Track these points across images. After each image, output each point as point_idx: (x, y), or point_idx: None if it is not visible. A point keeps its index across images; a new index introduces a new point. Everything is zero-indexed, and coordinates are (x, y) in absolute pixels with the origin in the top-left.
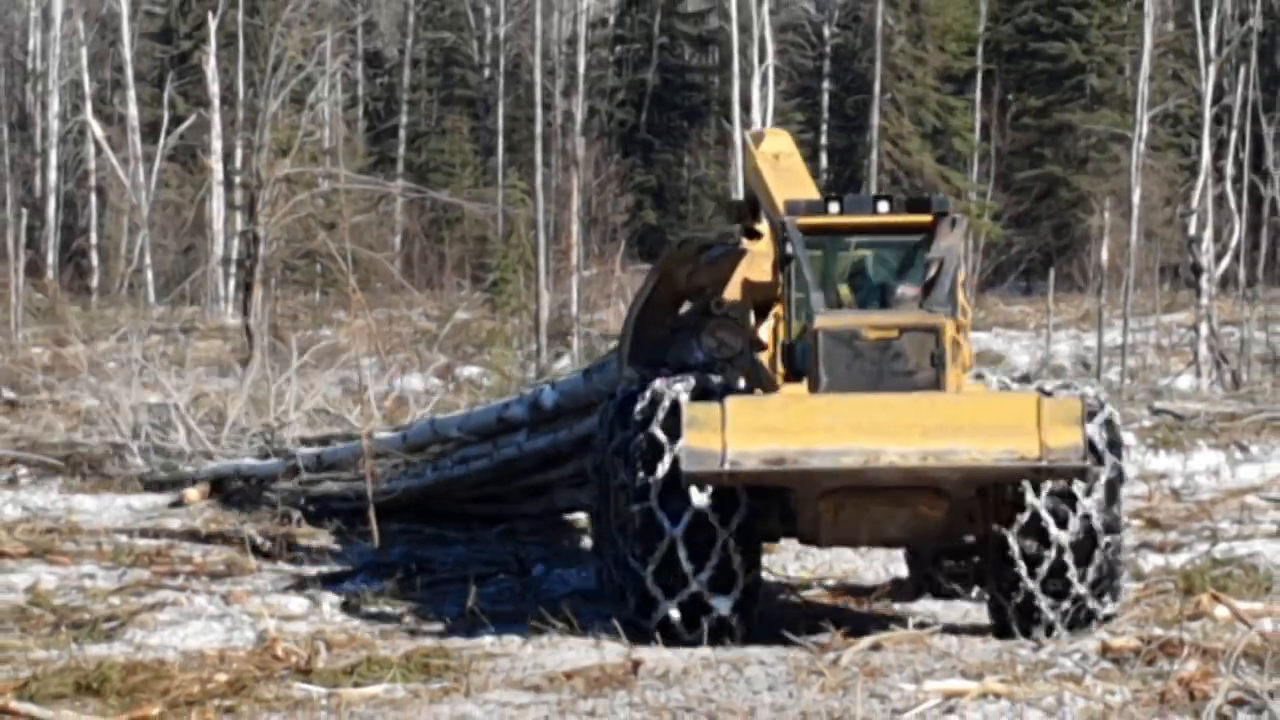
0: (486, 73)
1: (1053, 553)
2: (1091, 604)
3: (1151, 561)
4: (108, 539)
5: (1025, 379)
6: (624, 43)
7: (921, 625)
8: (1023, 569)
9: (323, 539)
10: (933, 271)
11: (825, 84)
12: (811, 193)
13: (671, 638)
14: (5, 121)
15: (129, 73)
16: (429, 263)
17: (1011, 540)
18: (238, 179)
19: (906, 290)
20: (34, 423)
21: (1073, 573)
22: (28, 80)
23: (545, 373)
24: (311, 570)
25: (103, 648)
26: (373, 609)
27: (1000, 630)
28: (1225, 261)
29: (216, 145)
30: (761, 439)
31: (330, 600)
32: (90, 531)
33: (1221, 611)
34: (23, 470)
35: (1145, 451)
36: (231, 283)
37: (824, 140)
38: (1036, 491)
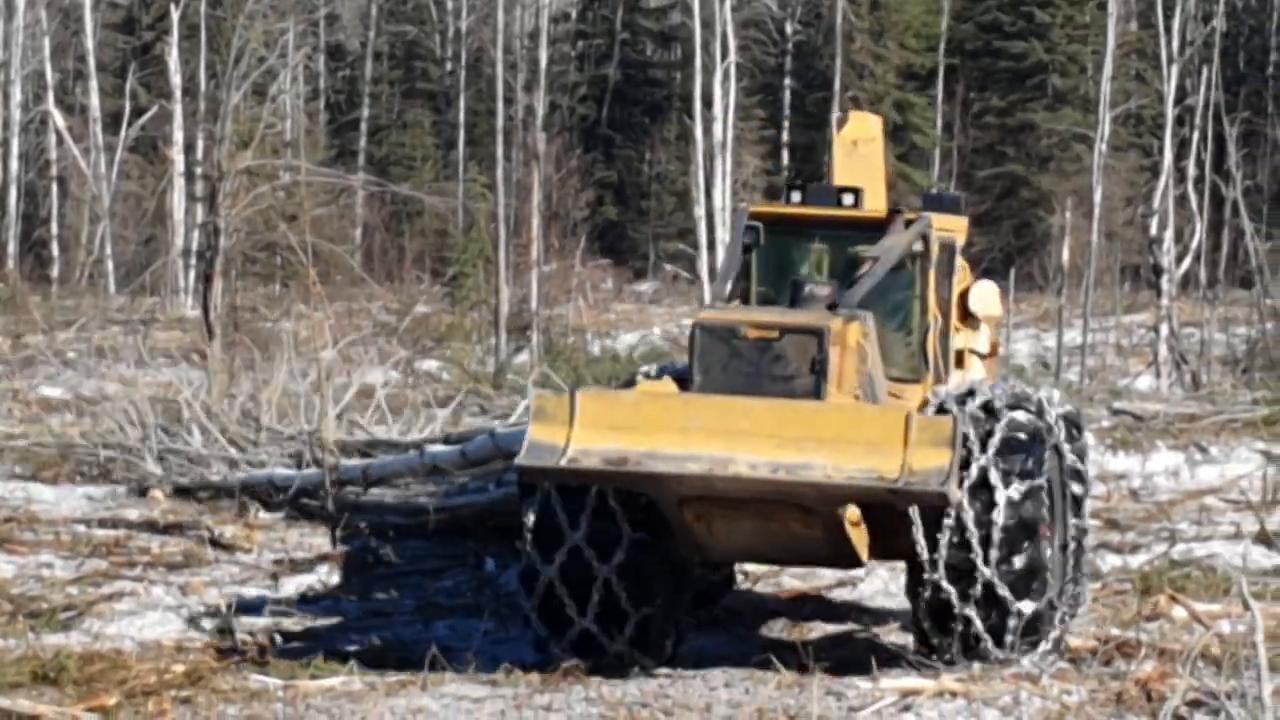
0: (448, 66)
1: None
2: (999, 632)
3: (1109, 562)
4: (66, 529)
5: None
6: (586, 38)
7: (880, 620)
8: (927, 596)
9: (280, 531)
10: (864, 269)
11: (787, 81)
12: (878, 188)
13: (557, 624)
14: None
15: (91, 63)
16: (389, 256)
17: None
18: (199, 170)
19: (817, 288)
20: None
21: (969, 602)
22: None
23: (505, 367)
24: (269, 562)
25: (60, 637)
26: (329, 601)
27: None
28: (1186, 262)
29: (178, 136)
30: (608, 437)
31: (288, 592)
32: (48, 521)
33: (1179, 612)
34: None
35: (1104, 452)
36: (192, 274)
37: (785, 137)
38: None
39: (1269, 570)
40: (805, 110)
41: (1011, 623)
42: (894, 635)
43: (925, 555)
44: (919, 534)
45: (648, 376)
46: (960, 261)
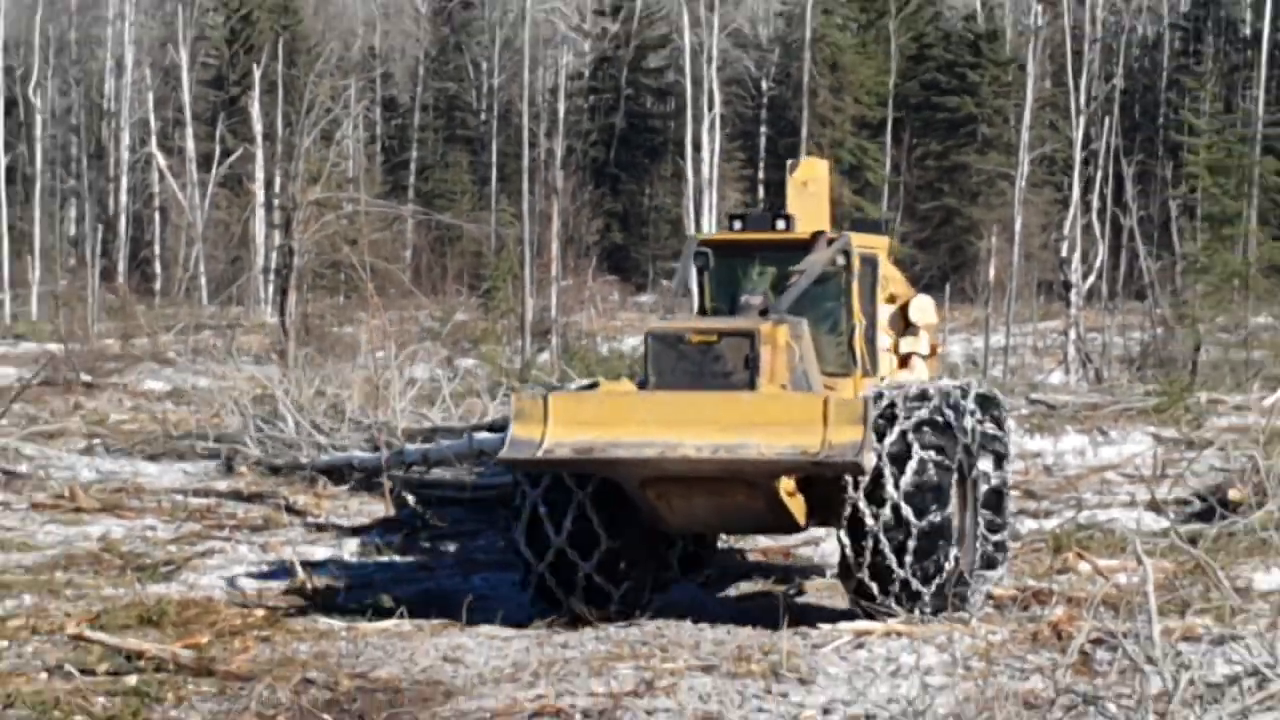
0: (483, 116)
1: (869, 541)
2: (916, 586)
3: (1027, 525)
4: (166, 498)
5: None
6: (596, 93)
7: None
8: (850, 556)
9: (344, 500)
10: (792, 281)
11: (762, 129)
12: (822, 217)
13: (552, 602)
14: (85, 152)
15: (187, 113)
16: (433, 273)
17: (843, 532)
18: (276, 202)
19: (751, 299)
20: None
21: (890, 559)
22: (104, 118)
23: (529, 365)
24: (335, 526)
25: (161, 587)
26: (384, 558)
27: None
28: (1091, 279)
29: (259, 174)
30: (577, 431)
31: (350, 550)
32: (151, 491)
33: (1084, 567)
34: (97, 440)
35: (1023, 435)
36: (270, 287)
37: (761, 175)
38: (855, 486)
39: (1158, 532)
40: (777, 153)
41: (931, 572)
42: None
43: (868, 518)
44: (862, 501)
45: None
46: (899, 276)
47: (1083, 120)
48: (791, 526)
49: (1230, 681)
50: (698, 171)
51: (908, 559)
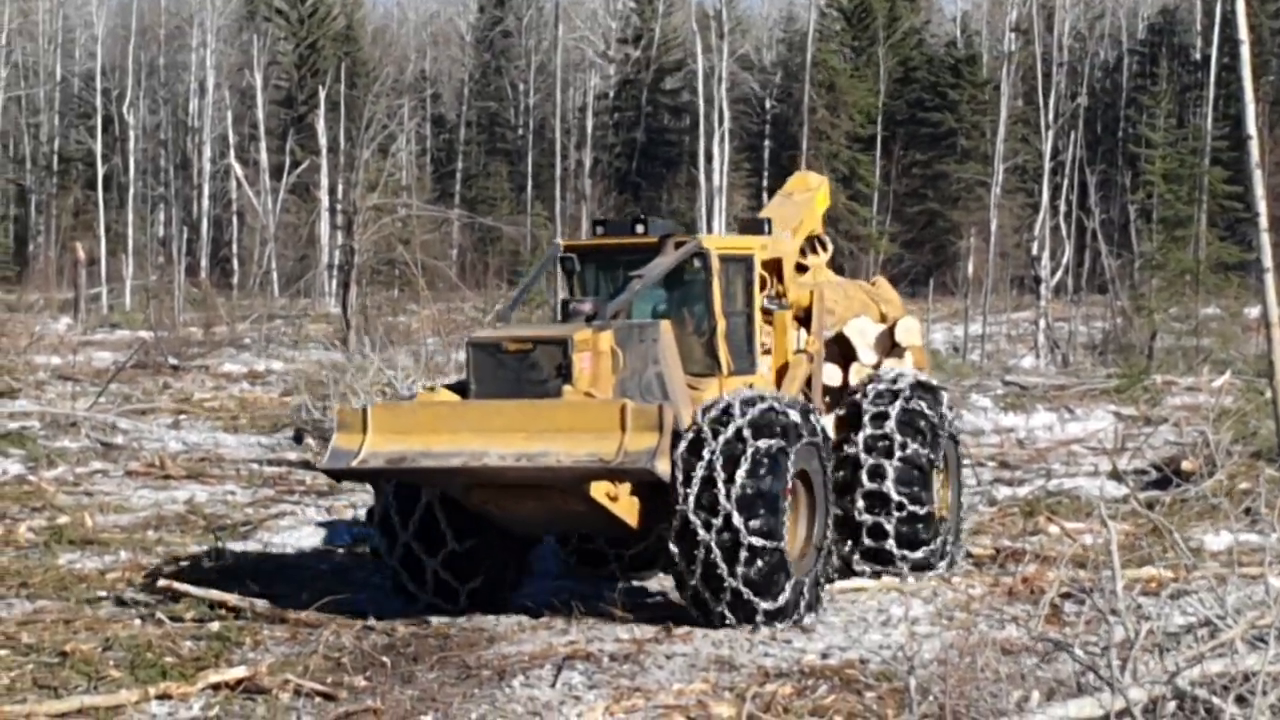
0: (520, 131)
1: (701, 551)
2: (749, 596)
3: (1002, 492)
4: (244, 466)
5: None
6: (620, 111)
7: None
8: (682, 565)
9: None
10: (631, 285)
11: (766, 142)
12: (791, 222)
13: (406, 594)
14: (172, 163)
15: (261, 129)
16: (477, 269)
17: (673, 534)
18: (339, 207)
19: (579, 305)
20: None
21: (723, 568)
22: (188, 133)
23: None
24: None
25: (239, 545)
26: None
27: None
28: (1058, 274)
29: (324, 182)
30: (393, 441)
31: None
32: (231, 460)
33: (1054, 529)
34: (183, 416)
35: (998, 412)
36: (334, 282)
37: (765, 183)
38: (685, 497)
39: (1119, 498)
40: (780, 164)
41: (764, 583)
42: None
43: (699, 527)
44: (691, 509)
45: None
46: (895, 298)
47: (1051, 134)
48: (623, 528)
49: (1186, 631)
50: (709, 179)
51: (739, 569)
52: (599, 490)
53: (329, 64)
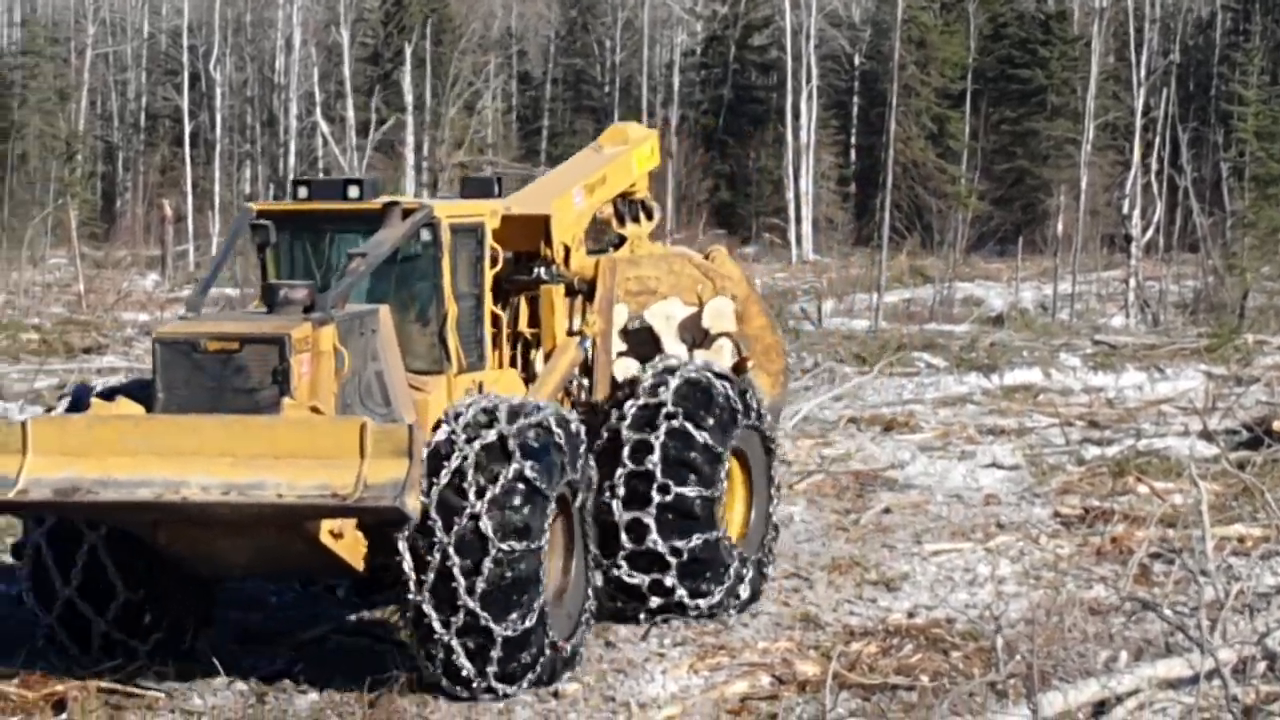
0: (606, 89)
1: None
2: (485, 622)
3: (1091, 452)
4: None
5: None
6: (707, 68)
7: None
8: (411, 579)
9: None
10: (351, 266)
11: (855, 99)
12: (587, 178)
13: (68, 656)
14: (258, 120)
15: (348, 86)
16: None
17: (403, 545)
18: (425, 164)
19: (292, 292)
20: None
21: (460, 584)
22: (274, 91)
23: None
24: None
25: None
26: None
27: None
28: (1149, 233)
29: (410, 140)
30: (62, 465)
31: None
32: None
33: (1143, 489)
34: None
35: (1087, 371)
36: None
37: (853, 140)
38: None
39: (1209, 458)
40: (869, 121)
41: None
42: (931, 506)
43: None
44: (407, 555)
45: (104, 398)
46: (737, 273)
47: (1143, 91)
48: (345, 572)
49: (1277, 591)
50: (796, 136)
51: (477, 589)
52: (325, 529)
53: (415, 20)
